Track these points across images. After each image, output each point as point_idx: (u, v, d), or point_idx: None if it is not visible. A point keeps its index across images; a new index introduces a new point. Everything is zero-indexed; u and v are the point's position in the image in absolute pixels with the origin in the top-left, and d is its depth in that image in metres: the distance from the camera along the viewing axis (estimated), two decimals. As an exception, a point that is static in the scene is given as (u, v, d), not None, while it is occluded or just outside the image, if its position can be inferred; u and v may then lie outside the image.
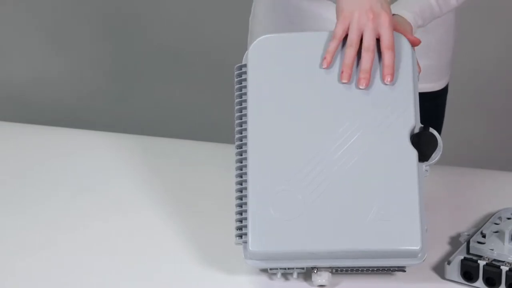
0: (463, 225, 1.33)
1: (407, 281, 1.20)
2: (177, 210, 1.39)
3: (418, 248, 1.14)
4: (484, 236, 1.22)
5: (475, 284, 1.18)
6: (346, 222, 1.15)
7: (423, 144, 1.19)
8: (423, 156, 1.19)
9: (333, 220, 1.16)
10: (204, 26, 3.00)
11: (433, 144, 1.20)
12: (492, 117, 2.92)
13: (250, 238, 1.16)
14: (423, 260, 1.15)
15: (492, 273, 1.17)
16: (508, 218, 1.29)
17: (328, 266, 1.17)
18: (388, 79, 1.20)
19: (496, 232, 1.23)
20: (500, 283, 1.16)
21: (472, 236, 1.24)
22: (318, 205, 1.16)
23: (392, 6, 1.37)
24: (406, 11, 1.34)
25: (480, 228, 1.26)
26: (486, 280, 1.17)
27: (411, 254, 1.14)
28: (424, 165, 1.19)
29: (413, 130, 1.19)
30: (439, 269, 1.23)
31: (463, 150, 2.79)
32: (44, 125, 1.75)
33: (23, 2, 3.09)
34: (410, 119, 1.19)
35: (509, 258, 1.17)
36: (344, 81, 1.21)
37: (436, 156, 1.19)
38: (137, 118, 3.05)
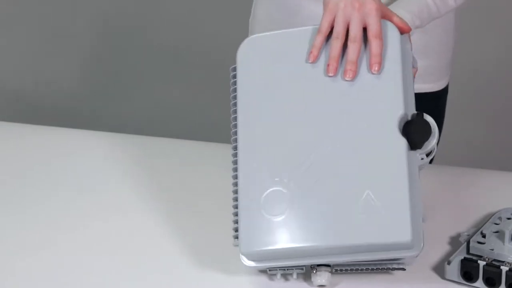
0: (463, 225, 1.33)
1: (407, 281, 1.20)
2: (177, 210, 1.39)
3: (408, 239, 1.11)
4: (484, 236, 1.22)
5: (475, 284, 1.18)
6: (335, 217, 1.14)
7: (414, 131, 1.16)
8: (415, 144, 1.16)
9: (322, 216, 1.14)
10: (204, 26, 3.00)
11: (426, 131, 1.17)
12: (492, 117, 2.92)
13: (240, 239, 1.16)
14: (421, 251, 1.14)
15: (492, 273, 1.17)
16: (508, 218, 1.29)
17: (321, 263, 1.16)
18: (375, 68, 1.18)
19: (496, 232, 1.23)
20: (500, 283, 1.16)
21: (472, 236, 1.24)
22: (307, 202, 1.15)
23: (389, 7, 1.37)
24: (403, 11, 1.34)
25: (480, 228, 1.26)
26: (486, 280, 1.17)
27: (403, 246, 1.12)
28: (418, 153, 1.16)
29: (404, 118, 1.17)
30: (439, 269, 1.23)
31: (463, 150, 2.79)
32: (44, 125, 1.75)
33: (23, 2, 3.09)
34: (399, 107, 1.17)
35: (509, 258, 1.17)
36: (330, 74, 1.19)
37: (430, 144, 1.17)
38: (137, 118, 3.05)
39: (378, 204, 1.13)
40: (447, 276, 1.21)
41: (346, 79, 1.19)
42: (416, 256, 1.15)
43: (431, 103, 1.61)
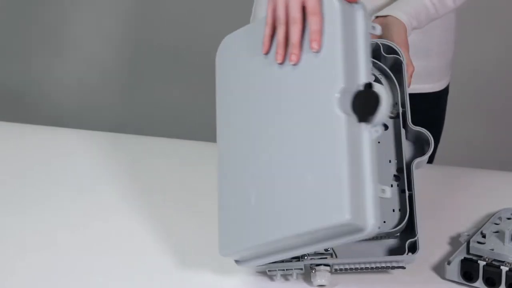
0: (463, 225, 1.33)
1: (407, 281, 1.20)
2: (177, 210, 1.39)
3: (346, 219, 1.04)
4: (484, 236, 1.22)
5: (475, 284, 1.18)
6: (284, 208, 1.10)
7: (359, 104, 1.09)
8: (361, 117, 1.09)
9: (273, 209, 1.12)
10: (204, 26, 3.00)
11: (371, 102, 1.09)
12: (492, 117, 2.92)
13: (218, 242, 1.17)
14: (378, 231, 1.07)
15: (492, 273, 1.17)
16: (508, 218, 1.29)
17: (284, 258, 1.15)
18: (314, 45, 1.12)
19: (496, 232, 1.23)
20: (500, 283, 1.16)
21: (472, 236, 1.24)
22: (261, 197, 1.14)
23: (386, 8, 1.37)
24: (400, 12, 1.34)
25: (480, 228, 1.26)
26: (486, 280, 1.17)
27: (349, 228, 1.05)
28: (369, 126, 1.09)
29: (348, 92, 1.09)
30: (439, 269, 1.23)
31: (463, 150, 2.79)
32: (44, 125, 1.75)
33: (22, 2, 3.09)
34: (338, 81, 1.09)
35: (509, 258, 1.17)
36: (278, 61, 1.16)
37: (379, 115, 1.10)
38: (137, 118, 3.05)
39: (318, 187, 1.08)
40: (447, 276, 1.21)
41: (291, 63, 1.15)
42: (368, 236, 1.07)
43: (431, 103, 1.61)
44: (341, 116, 1.08)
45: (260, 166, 1.15)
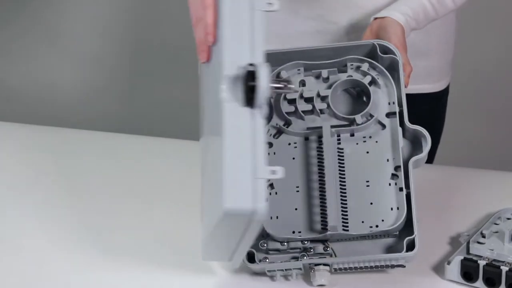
0: (463, 225, 1.33)
1: (407, 281, 1.20)
2: (177, 210, 1.39)
3: (225, 207, 1.01)
4: (484, 236, 1.22)
5: (475, 284, 1.18)
6: (208, 205, 1.12)
7: (243, 87, 1.06)
8: (245, 100, 1.06)
9: (206, 207, 1.14)
10: (204, 26, 3.01)
11: (251, 83, 1.05)
12: (492, 117, 2.92)
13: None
14: (261, 217, 1.02)
15: (492, 273, 1.17)
16: (508, 218, 1.29)
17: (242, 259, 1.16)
18: (209, 38, 1.11)
19: (496, 232, 1.23)
20: (500, 283, 1.16)
21: (472, 236, 1.24)
22: (206, 196, 1.16)
23: (385, 9, 1.37)
24: (398, 13, 1.34)
25: (480, 228, 1.26)
26: (486, 280, 1.17)
27: (241, 217, 1.03)
28: (253, 109, 1.05)
29: (231, 78, 1.06)
30: (439, 269, 1.23)
31: (463, 150, 2.79)
32: (44, 125, 1.75)
33: (22, 2, 3.09)
34: (222, 69, 1.06)
35: (509, 258, 1.17)
36: (201, 61, 1.15)
37: (260, 96, 1.04)
38: (137, 118, 3.05)
39: (216, 181, 1.06)
40: (447, 276, 1.21)
41: (203, 62, 1.14)
42: (260, 221, 1.03)
43: (432, 104, 1.61)
44: (223, 105, 1.06)
45: (204, 166, 1.18)
